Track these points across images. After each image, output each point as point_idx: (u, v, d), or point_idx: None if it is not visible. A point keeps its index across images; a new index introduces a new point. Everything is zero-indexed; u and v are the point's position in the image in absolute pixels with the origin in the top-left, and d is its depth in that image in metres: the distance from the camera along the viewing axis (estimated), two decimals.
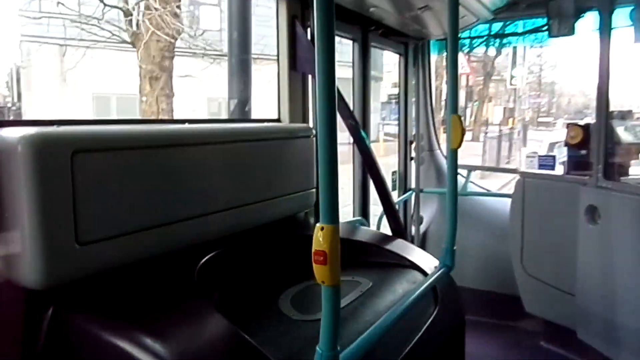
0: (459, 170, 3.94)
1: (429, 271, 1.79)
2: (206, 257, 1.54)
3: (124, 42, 7.15)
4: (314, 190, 2.24)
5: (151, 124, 1.80)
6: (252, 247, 1.79)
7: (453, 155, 1.68)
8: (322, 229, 0.96)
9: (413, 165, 3.80)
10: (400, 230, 2.14)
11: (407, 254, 1.91)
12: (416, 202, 3.80)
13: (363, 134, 2.23)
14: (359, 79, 3.00)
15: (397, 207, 3.17)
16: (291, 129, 2.21)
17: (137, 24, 6.54)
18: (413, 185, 3.81)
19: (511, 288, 3.29)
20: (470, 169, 3.79)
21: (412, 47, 3.66)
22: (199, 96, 11.01)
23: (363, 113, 3.02)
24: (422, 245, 3.87)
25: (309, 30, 2.30)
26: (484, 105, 24.00)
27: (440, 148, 4.05)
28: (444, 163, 3.96)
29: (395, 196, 3.72)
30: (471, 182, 3.93)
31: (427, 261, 1.89)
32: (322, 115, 0.96)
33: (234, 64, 3.00)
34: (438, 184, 3.95)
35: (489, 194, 3.76)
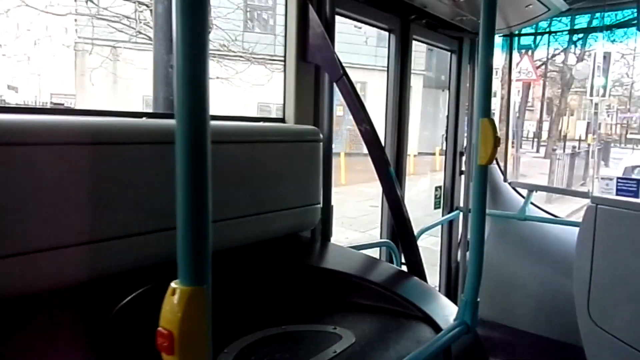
0: (521, 191, 3.38)
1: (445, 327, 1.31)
2: (140, 290, 1.16)
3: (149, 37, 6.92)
4: (319, 205, 1.82)
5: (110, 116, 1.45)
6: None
7: (480, 173, 1.19)
8: (173, 292, 0.55)
9: (462, 181, 3.27)
10: (418, 267, 1.66)
11: (420, 300, 1.43)
12: (464, 223, 3.26)
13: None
14: (395, 79, 2.53)
15: (420, 235, 2.68)
16: (292, 130, 1.81)
17: None
18: (461, 204, 3.27)
19: (574, 336, 2.67)
20: (531, 188, 3.19)
21: (468, 43, 3.13)
22: (246, 101, 10.82)
23: (399, 121, 2.56)
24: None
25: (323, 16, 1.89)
26: (560, 118, 22.30)
27: (498, 162, 3.47)
28: (501, 180, 3.38)
29: (438, 215, 3.21)
30: (533, 204, 3.32)
31: (448, 312, 1.40)
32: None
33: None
34: (492, 203, 3.37)
35: (554, 220, 3.14)
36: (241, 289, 1.41)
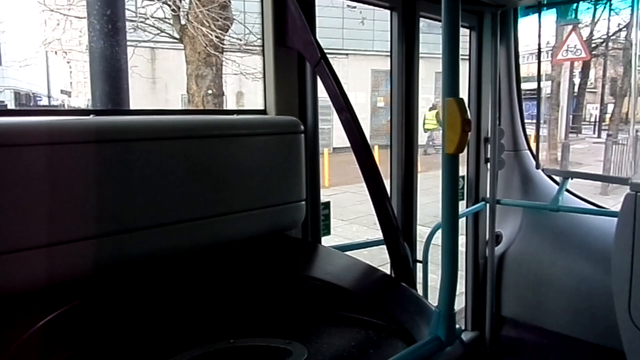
0: (556, 178, 3.07)
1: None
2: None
3: (175, 39, 6.81)
4: (302, 202, 1.68)
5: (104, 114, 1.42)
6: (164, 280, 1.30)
7: (450, 162, 1.00)
8: None
9: (488, 170, 3.01)
10: (404, 271, 1.47)
11: (399, 310, 1.25)
12: (491, 215, 3.00)
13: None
14: (399, 64, 2.31)
15: (418, 234, 2.45)
16: (269, 122, 1.67)
17: (186, 19, 6.11)
18: (487, 195, 3.01)
19: (614, 340, 2.37)
20: (566, 175, 2.88)
21: (489, 17, 2.86)
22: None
23: (406, 111, 2.35)
24: (499, 272, 3.05)
25: None
26: (623, 100, 20.72)
27: (530, 147, 3.18)
28: (533, 167, 3.09)
29: (461, 207, 2.97)
30: (571, 193, 3.01)
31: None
32: None
33: None
34: (523, 193, 3.09)
35: (591, 210, 2.82)
36: (199, 294, 1.30)
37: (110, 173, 1.24)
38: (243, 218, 1.53)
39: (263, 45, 1.78)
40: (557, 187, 2.92)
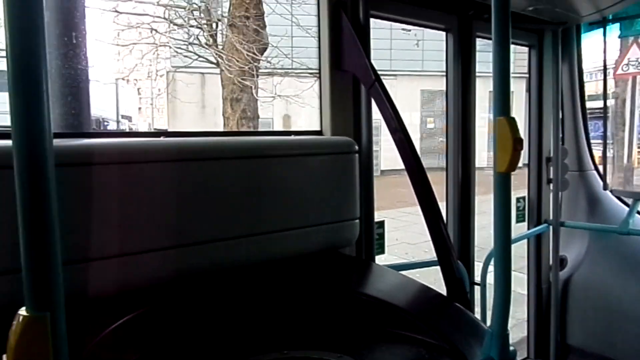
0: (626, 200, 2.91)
1: None
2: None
3: (211, 62, 6.83)
4: (356, 221, 1.70)
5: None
6: (231, 294, 1.35)
7: (501, 183, 0.99)
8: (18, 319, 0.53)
9: (550, 191, 2.89)
10: (458, 291, 1.45)
11: (452, 330, 1.24)
12: (555, 238, 2.87)
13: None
14: (456, 84, 2.30)
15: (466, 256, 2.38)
16: (325, 143, 1.71)
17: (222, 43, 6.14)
18: (550, 217, 2.89)
19: None
20: (637, 197, 2.72)
21: (550, 35, 2.79)
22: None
23: (463, 132, 2.33)
24: (564, 298, 2.91)
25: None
26: None
27: (597, 167, 3.04)
28: (600, 187, 2.94)
29: (523, 229, 2.87)
30: None
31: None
32: None
33: None
34: (590, 215, 2.94)
35: None
36: (256, 306, 1.34)
37: (176, 190, 1.32)
38: (298, 235, 1.56)
39: (320, 69, 1.83)
40: (627, 209, 2.76)
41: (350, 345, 1.23)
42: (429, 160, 9.67)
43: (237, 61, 5.69)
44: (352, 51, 1.74)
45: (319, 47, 1.82)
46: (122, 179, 1.23)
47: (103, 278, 1.18)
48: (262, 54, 5.97)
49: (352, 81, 1.83)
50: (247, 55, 5.71)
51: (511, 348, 1.04)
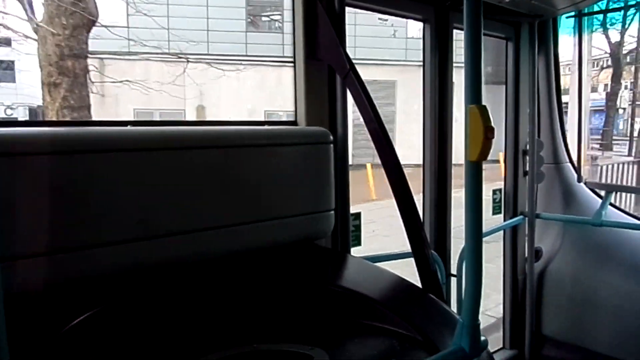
0: (599, 191, 2.95)
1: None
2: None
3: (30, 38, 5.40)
4: (331, 212, 1.68)
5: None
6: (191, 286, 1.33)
7: (473, 170, 0.98)
8: None
9: (526, 183, 2.92)
10: (432, 283, 1.44)
11: (423, 320, 1.23)
12: (530, 230, 2.90)
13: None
14: (432, 76, 2.29)
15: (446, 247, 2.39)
16: (298, 133, 1.69)
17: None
18: (526, 209, 2.92)
19: None
20: (610, 189, 2.76)
21: (527, 27, 2.80)
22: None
23: (439, 125, 2.32)
24: (539, 289, 2.94)
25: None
26: None
27: (571, 160, 3.07)
28: (574, 180, 2.98)
29: (499, 221, 2.89)
30: (617, 207, 2.88)
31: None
32: None
33: None
34: (565, 207, 2.98)
35: (636, 225, 2.69)
36: (226, 299, 1.32)
37: (143, 180, 1.28)
38: (272, 226, 1.54)
39: (294, 59, 1.80)
40: (600, 201, 2.80)
41: (322, 337, 1.22)
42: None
43: (54, 35, 4.54)
44: (327, 40, 1.71)
45: (294, 36, 1.79)
46: (81, 169, 1.18)
47: (54, 273, 1.14)
48: (89, 30, 4.76)
49: (327, 71, 1.81)
50: (64, 30, 4.51)
51: (482, 338, 1.04)
